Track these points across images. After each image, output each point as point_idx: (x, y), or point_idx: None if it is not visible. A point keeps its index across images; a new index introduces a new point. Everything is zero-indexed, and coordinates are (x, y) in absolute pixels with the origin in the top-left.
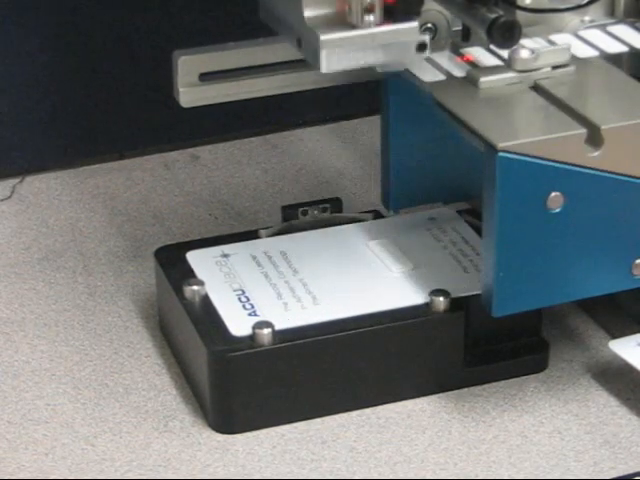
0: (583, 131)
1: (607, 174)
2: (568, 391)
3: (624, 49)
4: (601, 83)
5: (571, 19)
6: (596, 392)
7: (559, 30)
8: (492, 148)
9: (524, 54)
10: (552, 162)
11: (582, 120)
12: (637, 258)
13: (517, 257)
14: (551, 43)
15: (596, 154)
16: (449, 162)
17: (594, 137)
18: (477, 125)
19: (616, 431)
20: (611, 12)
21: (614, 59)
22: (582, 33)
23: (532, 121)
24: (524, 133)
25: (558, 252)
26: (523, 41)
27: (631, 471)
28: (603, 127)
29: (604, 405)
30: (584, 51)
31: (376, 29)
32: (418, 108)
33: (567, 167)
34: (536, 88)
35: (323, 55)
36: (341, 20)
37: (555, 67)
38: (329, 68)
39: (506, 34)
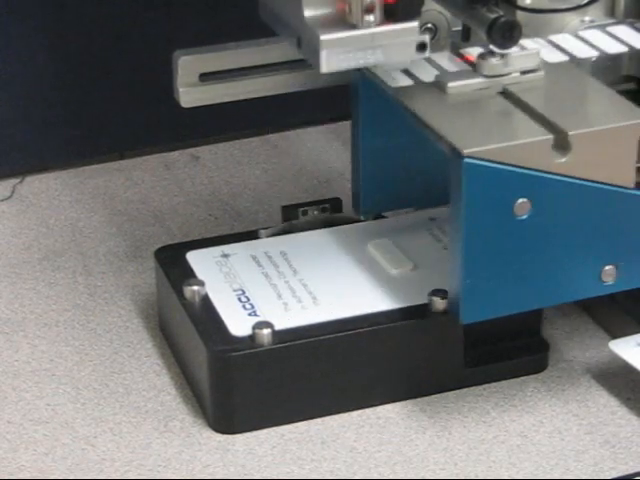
0: (550, 137)
1: (574, 180)
2: (568, 391)
3: (624, 49)
4: (570, 88)
5: (571, 19)
6: (596, 392)
7: (559, 30)
8: (458, 154)
9: (493, 59)
10: (519, 168)
11: (549, 126)
12: (606, 264)
13: (484, 264)
14: (521, 48)
15: (563, 160)
16: (420, 167)
17: (561, 143)
18: (443, 130)
19: (616, 431)
20: (611, 12)
21: (614, 59)
22: (582, 33)
23: (499, 127)
24: (490, 139)
25: (526, 259)
26: (523, 41)
27: (631, 471)
28: (570, 133)
29: (604, 405)
30: (584, 51)
31: (376, 29)
32: (388, 113)
33: (534, 173)
34: (505, 93)
35: (323, 55)
36: (341, 20)
37: (524, 72)
38: (329, 68)
39: (506, 34)
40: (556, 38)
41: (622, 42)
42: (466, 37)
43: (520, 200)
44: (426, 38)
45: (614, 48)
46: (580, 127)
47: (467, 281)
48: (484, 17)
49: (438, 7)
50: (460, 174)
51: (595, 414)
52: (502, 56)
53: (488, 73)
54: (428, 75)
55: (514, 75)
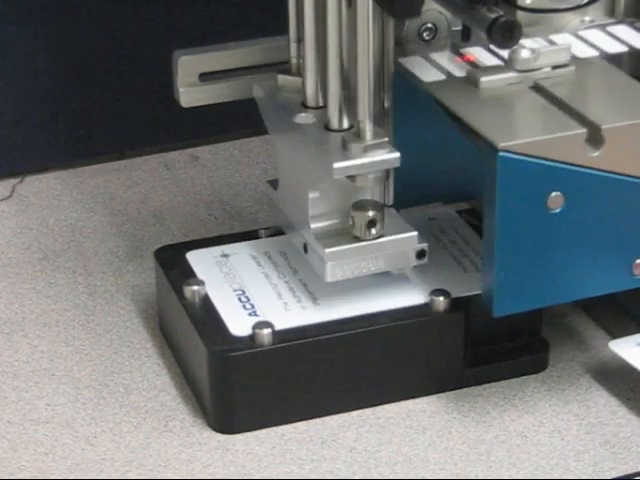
0: (583, 131)
1: (607, 174)
2: (568, 391)
3: (624, 49)
4: (601, 83)
5: (571, 19)
6: (596, 392)
7: (559, 30)
8: (492, 148)
9: (524, 54)
10: (552, 162)
11: (582, 120)
12: (637, 258)
13: (517, 257)
14: (551, 43)
15: (596, 154)
16: (449, 162)
17: (594, 137)
18: (477, 125)
19: (616, 431)
20: (611, 12)
21: (614, 59)
22: (582, 33)
23: (532, 121)
24: (524, 133)
25: (558, 252)
26: (523, 41)
27: (631, 471)
28: (603, 127)
29: (604, 405)
30: (584, 51)
31: (378, 240)
32: (418, 108)
33: (567, 167)
34: (536, 88)
35: (328, 267)
36: (345, 232)
37: (555, 67)
38: (333, 278)
39: (506, 34)
40: (556, 38)
41: (622, 42)
42: (466, 37)
43: (553, 194)
44: (425, 246)
45: (614, 48)
46: (613, 121)
47: (500, 274)
48: (484, 17)
49: (438, 7)
50: (495, 168)
51: (595, 414)
52: (534, 51)
53: (520, 68)
54: (460, 70)
55: (545, 70)
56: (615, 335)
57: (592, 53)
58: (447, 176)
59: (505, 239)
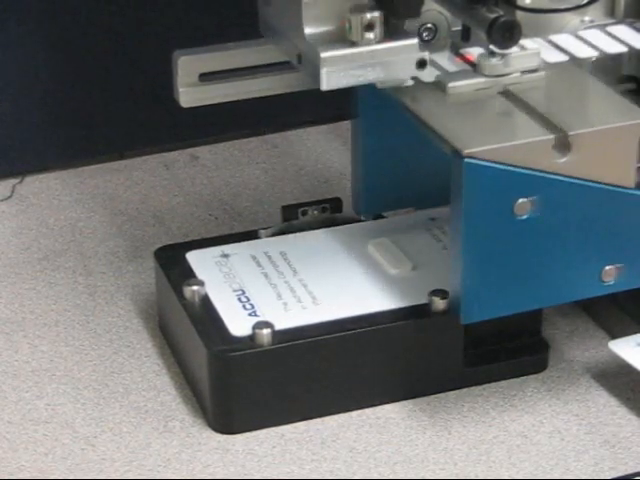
0: (551, 137)
1: (575, 180)
2: (568, 391)
3: (624, 49)
4: (570, 88)
5: (571, 19)
6: (596, 392)
7: (559, 30)
8: (458, 154)
9: (493, 59)
10: (520, 168)
11: (550, 126)
12: (607, 264)
13: (485, 264)
14: (521, 48)
15: (564, 160)
16: (420, 167)
17: (562, 143)
18: (444, 131)
19: (616, 431)
20: (611, 12)
21: (614, 59)
22: (582, 33)
23: (499, 127)
24: (491, 139)
25: (527, 259)
26: (522, 41)
27: (631, 471)
28: (571, 133)
29: (604, 405)
30: (584, 51)
31: (376, 46)
32: (389, 113)
33: (535, 173)
34: (505, 93)
35: (323, 72)
36: (341, 37)
37: (525, 72)
38: (329, 85)
39: (506, 34)
40: (556, 38)
41: (622, 42)
42: (466, 37)
43: (521, 200)
44: (426, 54)
45: (614, 48)
46: (581, 127)
47: (467, 281)
48: (484, 17)
49: (438, 7)
50: (461, 174)
51: (595, 414)
52: (502, 56)
53: (489, 73)
54: (429, 75)
55: (515, 75)
56: (615, 335)
57: (592, 53)
58: (419, 181)
59: (472, 246)
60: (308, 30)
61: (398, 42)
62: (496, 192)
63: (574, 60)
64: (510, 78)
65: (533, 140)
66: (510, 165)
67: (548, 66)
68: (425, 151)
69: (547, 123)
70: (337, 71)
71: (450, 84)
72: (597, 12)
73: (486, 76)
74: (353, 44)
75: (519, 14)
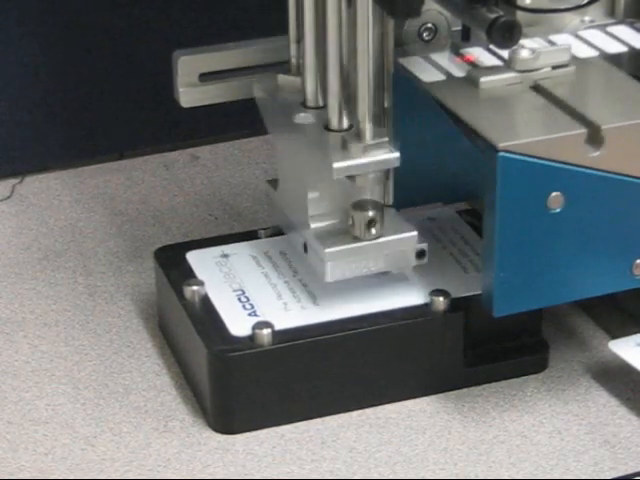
0: (583, 131)
1: (607, 174)
2: (568, 391)
3: (624, 49)
4: (601, 83)
5: (571, 19)
6: (596, 392)
7: (559, 30)
8: (492, 148)
9: (524, 54)
10: (552, 162)
11: (582, 120)
12: (638, 258)
13: (517, 257)
14: (551, 43)
15: (596, 154)
16: (449, 162)
17: (594, 137)
18: (477, 125)
19: (616, 431)
20: (611, 12)
21: (614, 59)
22: (582, 33)
23: (532, 121)
24: (524, 133)
25: (559, 252)
26: (523, 41)
27: (631, 471)
28: (603, 127)
29: (604, 405)
30: (584, 51)
31: (378, 240)
32: (418, 108)
33: (567, 167)
34: (536, 88)
35: (328, 267)
36: (344, 230)
37: (555, 67)
38: (333, 278)
39: (506, 34)
40: (556, 38)
41: (622, 42)
42: (466, 37)
43: (553, 194)
44: (425, 246)
45: (614, 48)
46: (613, 121)
47: (500, 274)
48: (484, 17)
49: (438, 7)
50: (495, 168)
51: (595, 414)
52: (534, 51)
53: (520, 68)
54: (460, 70)
55: (545, 70)
56: (615, 335)
57: (592, 53)
58: (447, 176)
59: (505, 239)
60: (314, 225)
61: (399, 235)
62: (529, 186)
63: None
64: (541, 73)
65: (566, 134)
66: (543, 159)
67: (578, 61)
68: (454, 146)
69: (579, 117)
70: (341, 265)
71: (482, 79)
72: (597, 12)
73: (517, 71)
74: (356, 238)
75: (519, 14)
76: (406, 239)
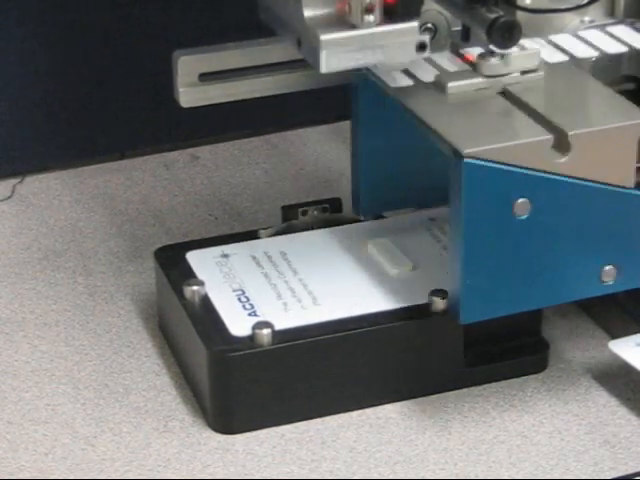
0: (550, 137)
1: (574, 180)
2: (568, 391)
3: (624, 49)
4: (570, 88)
5: (571, 19)
6: (596, 392)
7: (559, 30)
8: (458, 154)
9: (492, 59)
10: (519, 168)
11: (549, 126)
12: (606, 264)
13: (484, 264)
14: (521, 48)
15: (563, 160)
16: (419, 167)
17: (561, 143)
18: (443, 131)
19: (616, 431)
20: (611, 12)
21: (614, 59)
22: (582, 33)
23: (499, 127)
24: (490, 139)
25: (526, 259)
26: (523, 41)
27: (631, 471)
28: (570, 133)
29: (604, 405)
30: (584, 51)
31: (376, 29)
32: (388, 113)
33: (534, 173)
34: (504, 93)
35: (323, 55)
36: (341, 20)
37: (524, 72)
38: (329, 68)
39: (506, 34)
40: (556, 38)
41: (622, 42)
42: (466, 37)
43: (520, 200)
44: (426, 38)
45: (614, 48)
46: (580, 127)
47: (467, 281)
48: (484, 17)
49: (438, 7)
50: (460, 174)
51: (595, 414)
52: (502, 56)
53: (488, 73)
54: (428, 75)
55: (514, 75)
56: (615, 335)
57: (592, 53)
58: (418, 181)
59: (471, 246)
60: (307, 13)
61: (398, 25)
62: (495, 192)
63: (574, 60)
64: (509, 78)
65: (532, 140)
66: (509, 165)
67: (548, 66)
68: (425, 151)
69: (546, 123)
70: (337, 53)
71: (450, 84)
72: (597, 12)
73: (485, 76)
74: (353, 27)
75: (519, 14)
76: (406, 29)
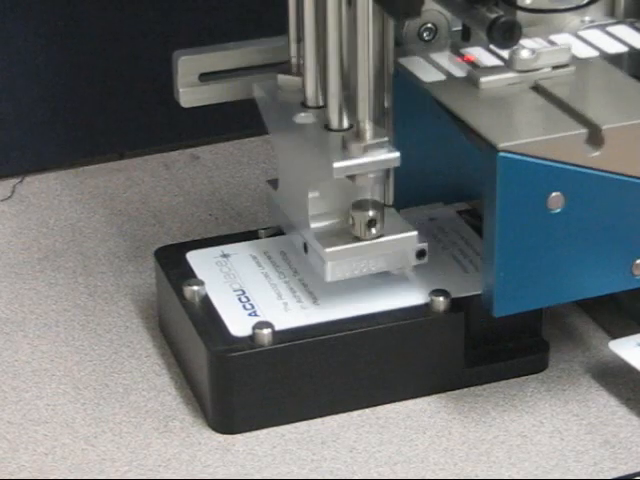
0: (584, 131)
1: (607, 174)
2: (568, 391)
3: (624, 49)
4: (601, 83)
5: (571, 19)
6: (596, 392)
7: (559, 30)
8: (492, 148)
9: (524, 54)
10: (552, 162)
11: (582, 120)
12: (637, 258)
13: (518, 257)
14: (551, 43)
15: (596, 154)
16: (449, 162)
17: (594, 137)
18: (477, 125)
19: (616, 431)
20: (611, 12)
21: (614, 59)
22: (582, 33)
23: (532, 121)
24: (524, 133)
25: (559, 252)
26: (523, 41)
27: (631, 471)
28: (604, 127)
29: (604, 405)
30: (584, 51)
31: (378, 240)
32: (418, 108)
33: (567, 167)
34: (536, 88)
35: (328, 267)
36: (345, 230)
37: (555, 67)
38: (333, 278)
39: (506, 34)
40: (556, 38)
41: (622, 42)
42: (466, 37)
43: (554, 194)
44: (425, 246)
45: (614, 48)
46: (613, 121)
47: (501, 274)
48: (484, 17)
49: (438, 7)
50: (495, 168)
51: (595, 414)
52: (534, 51)
53: (520, 68)
54: (460, 70)
55: (545, 70)
56: (615, 335)
57: (592, 53)
58: (447, 176)
59: (505, 239)
60: (314, 224)
61: (399, 235)
62: (529, 186)
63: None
64: (541, 73)
65: (566, 134)
66: (543, 159)
67: (578, 61)
68: (454, 146)
69: (579, 117)
70: (341, 265)
71: (482, 79)
72: (597, 12)
73: (517, 71)
74: (356, 238)
75: (519, 14)
76: (406, 239)
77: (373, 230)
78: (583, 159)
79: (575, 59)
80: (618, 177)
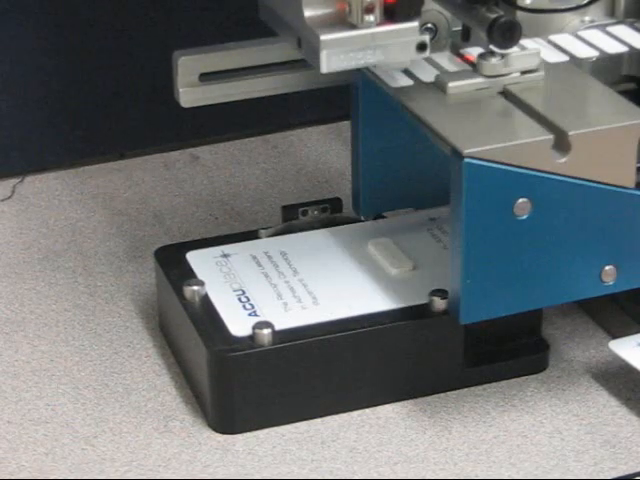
0: (550, 137)
1: (574, 180)
2: (568, 391)
3: (624, 49)
4: (570, 88)
5: (571, 19)
6: (596, 392)
7: (559, 30)
8: (458, 154)
9: (493, 59)
10: (519, 168)
11: (550, 126)
12: (606, 264)
13: (484, 264)
14: (521, 48)
15: (563, 160)
16: (420, 167)
17: (561, 143)
18: (444, 131)
19: (616, 431)
20: (611, 12)
21: (614, 59)
22: (582, 33)
23: (499, 127)
24: (491, 139)
25: (526, 259)
26: (522, 41)
27: (631, 471)
28: (570, 133)
29: (604, 405)
30: (584, 51)
31: (376, 29)
32: (388, 113)
33: (534, 173)
34: (505, 93)
35: (323, 55)
36: (341, 20)
37: (524, 72)
38: (329, 68)
39: (506, 34)
40: (556, 38)
41: (622, 42)
42: (466, 37)
43: (520, 200)
44: (426, 38)
45: (614, 48)
46: (580, 127)
47: (467, 281)
48: (484, 17)
49: (438, 7)
50: (460, 174)
51: (595, 414)
52: (502, 56)
53: (488, 73)
54: (428, 75)
55: (514, 75)
56: (615, 335)
57: (592, 53)
58: (418, 181)
59: (472, 246)
60: (307, 13)
61: (398, 25)
62: (496, 192)
63: (574, 60)
64: (510, 78)
65: (533, 140)
66: (510, 165)
67: (548, 66)
68: (425, 151)
69: (547, 123)
70: (337, 53)
71: (450, 84)
72: (597, 12)
73: (486, 76)
74: (353, 27)
75: (519, 14)
76: (406, 29)
77: (371, 17)
78: (550, 165)
79: (544, 64)
80: (585, 183)
